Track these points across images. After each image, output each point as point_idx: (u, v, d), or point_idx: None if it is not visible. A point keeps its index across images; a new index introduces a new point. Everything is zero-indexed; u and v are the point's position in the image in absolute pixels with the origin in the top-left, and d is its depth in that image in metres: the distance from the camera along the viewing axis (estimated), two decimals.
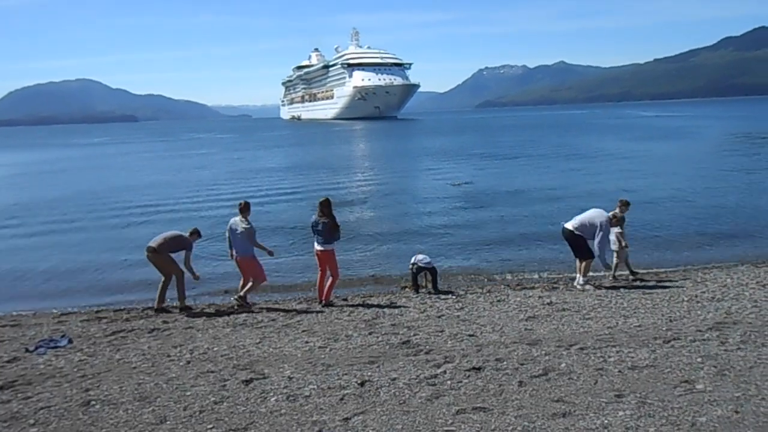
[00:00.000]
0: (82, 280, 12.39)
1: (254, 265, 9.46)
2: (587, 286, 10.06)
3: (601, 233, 9.71)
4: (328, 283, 9.67)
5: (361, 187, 26.21)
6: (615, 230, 10.32)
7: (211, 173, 34.69)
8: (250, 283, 9.52)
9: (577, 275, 10.27)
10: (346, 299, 10.05)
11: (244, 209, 9.35)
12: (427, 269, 10.41)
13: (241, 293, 9.49)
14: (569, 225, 10.09)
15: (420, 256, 10.53)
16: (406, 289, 10.54)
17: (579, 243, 10.03)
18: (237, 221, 9.32)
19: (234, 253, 9.47)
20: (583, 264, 10.12)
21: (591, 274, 10.35)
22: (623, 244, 10.55)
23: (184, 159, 48.80)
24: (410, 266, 10.54)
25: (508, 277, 11.48)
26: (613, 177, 25.52)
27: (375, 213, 19.37)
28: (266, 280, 9.77)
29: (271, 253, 9.58)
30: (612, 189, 20.81)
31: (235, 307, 9.42)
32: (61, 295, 11.31)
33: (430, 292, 10.26)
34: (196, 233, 9.68)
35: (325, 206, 9.43)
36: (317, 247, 9.60)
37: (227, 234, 9.50)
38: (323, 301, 9.61)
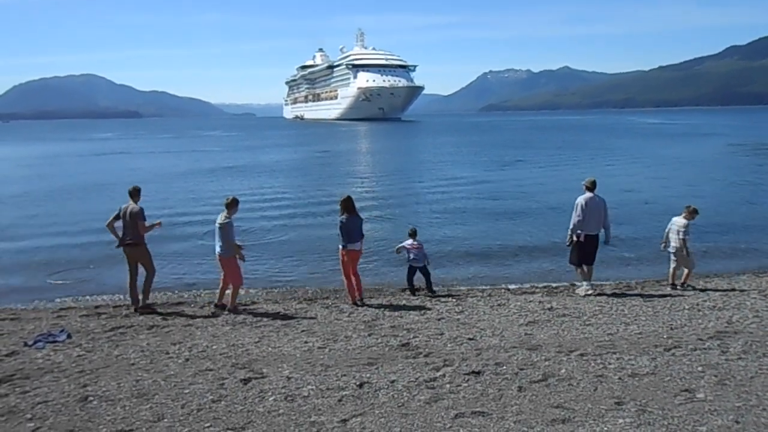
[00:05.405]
0: (81, 274, 12.37)
1: (231, 266, 9.10)
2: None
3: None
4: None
5: (388, 189, 26.00)
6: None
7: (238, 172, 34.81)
8: (228, 290, 9.23)
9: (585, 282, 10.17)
10: (345, 301, 10.03)
11: (231, 205, 9.04)
12: (418, 268, 10.36)
13: (229, 305, 9.16)
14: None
15: (409, 241, 10.33)
16: (406, 291, 10.52)
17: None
18: (220, 216, 9.08)
19: (216, 248, 9.13)
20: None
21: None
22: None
23: (196, 154, 48.86)
24: (396, 249, 10.60)
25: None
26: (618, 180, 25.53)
27: (384, 214, 19.31)
28: (242, 284, 9.45)
29: (241, 258, 9.09)
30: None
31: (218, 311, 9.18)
32: (61, 289, 11.29)
33: (427, 295, 10.24)
34: (137, 193, 9.28)
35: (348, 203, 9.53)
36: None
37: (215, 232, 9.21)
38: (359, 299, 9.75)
